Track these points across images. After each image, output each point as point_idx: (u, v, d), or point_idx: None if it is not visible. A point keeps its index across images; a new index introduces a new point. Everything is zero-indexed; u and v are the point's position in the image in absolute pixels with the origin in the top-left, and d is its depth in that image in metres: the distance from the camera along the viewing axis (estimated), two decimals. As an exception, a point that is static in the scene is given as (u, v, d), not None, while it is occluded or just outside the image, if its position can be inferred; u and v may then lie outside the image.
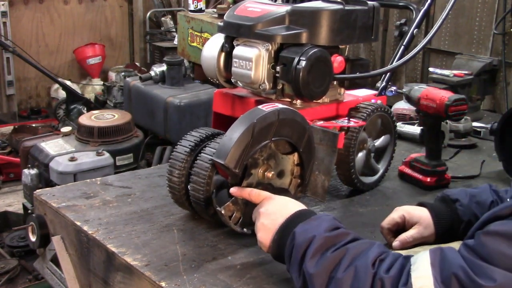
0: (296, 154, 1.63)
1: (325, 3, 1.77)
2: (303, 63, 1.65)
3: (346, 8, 1.75)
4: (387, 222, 1.56)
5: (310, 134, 1.62)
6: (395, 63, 2.01)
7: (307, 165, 1.64)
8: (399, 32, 2.22)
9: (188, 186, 1.60)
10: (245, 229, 1.56)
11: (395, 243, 1.49)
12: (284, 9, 1.70)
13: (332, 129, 1.73)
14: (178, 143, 1.67)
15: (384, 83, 2.15)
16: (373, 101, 1.94)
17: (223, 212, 1.51)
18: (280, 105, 1.55)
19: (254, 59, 1.69)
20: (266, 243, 1.37)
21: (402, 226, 1.54)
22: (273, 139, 1.54)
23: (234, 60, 1.75)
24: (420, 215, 1.51)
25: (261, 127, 1.49)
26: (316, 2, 1.78)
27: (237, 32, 1.74)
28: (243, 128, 1.47)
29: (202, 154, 1.59)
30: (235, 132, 1.47)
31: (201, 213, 1.65)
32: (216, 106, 1.90)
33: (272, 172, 1.58)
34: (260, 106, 1.53)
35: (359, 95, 1.99)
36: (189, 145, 1.64)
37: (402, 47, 2.19)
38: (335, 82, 1.85)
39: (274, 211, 1.38)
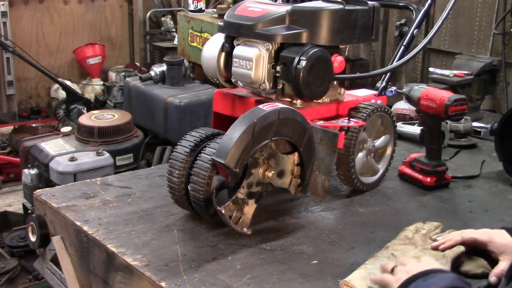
0: (296, 154, 1.63)
1: (325, 3, 1.77)
2: (303, 63, 1.65)
3: (346, 8, 1.75)
4: (470, 242, 1.53)
5: (310, 133, 1.62)
6: (395, 63, 2.01)
7: (307, 164, 1.64)
8: (399, 32, 2.22)
9: (188, 186, 1.60)
10: (245, 229, 1.56)
11: (492, 278, 1.45)
12: (284, 9, 1.70)
13: (332, 129, 1.73)
14: (178, 143, 1.67)
15: (384, 83, 2.14)
16: (373, 101, 1.94)
17: (223, 211, 1.50)
18: (280, 105, 1.55)
19: (254, 59, 1.69)
20: None
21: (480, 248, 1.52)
22: (273, 138, 1.53)
23: (234, 60, 1.75)
24: (505, 244, 1.48)
25: (261, 127, 1.48)
26: (316, 2, 1.78)
27: (237, 32, 1.74)
28: (244, 127, 1.47)
29: (202, 154, 1.59)
30: (235, 132, 1.47)
31: (201, 213, 1.65)
32: (216, 106, 1.90)
33: (273, 172, 1.58)
34: (260, 106, 1.53)
35: (359, 95, 1.99)
36: (189, 145, 1.64)
37: (402, 47, 2.19)
38: (335, 82, 1.85)
39: (411, 268, 1.33)
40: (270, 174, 1.57)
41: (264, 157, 1.56)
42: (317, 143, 1.68)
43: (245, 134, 1.46)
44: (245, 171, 1.53)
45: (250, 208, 1.57)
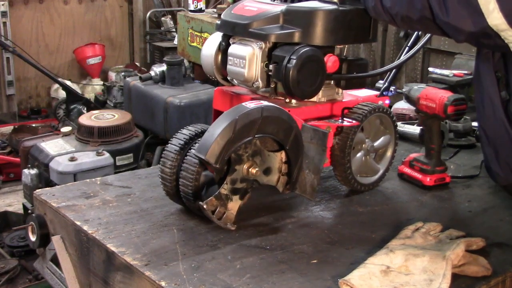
0: (283, 152, 1.63)
1: (319, 3, 1.77)
2: (293, 62, 1.65)
3: (340, 8, 1.74)
4: None
5: (297, 132, 1.62)
6: (392, 64, 2.01)
7: (294, 163, 1.64)
8: (405, 33, 2.22)
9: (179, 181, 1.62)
10: (228, 225, 1.57)
11: None
12: (279, 8, 1.70)
13: (326, 128, 1.73)
14: (173, 136, 1.70)
15: (383, 81, 2.15)
16: (380, 102, 1.93)
17: (205, 206, 1.52)
18: (265, 103, 1.56)
19: (247, 57, 1.70)
20: None
21: None
22: (256, 136, 1.54)
23: (229, 58, 1.76)
24: None
25: (243, 124, 1.50)
26: (310, 2, 1.78)
27: (232, 31, 1.75)
28: (225, 124, 1.49)
29: (192, 149, 1.61)
30: (217, 128, 1.49)
31: (191, 208, 1.67)
32: (216, 103, 1.91)
33: (257, 169, 1.58)
34: (244, 103, 1.55)
35: (360, 95, 1.98)
36: (183, 138, 1.66)
37: (407, 48, 2.19)
38: (332, 82, 1.85)
39: None
40: (254, 171, 1.57)
41: (249, 154, 1.57)
42: (308, 142, 1.68)
43: (226, 131, 1.48)
44: (229, 167, 1.53)
45: (234, 204, 1.58)
